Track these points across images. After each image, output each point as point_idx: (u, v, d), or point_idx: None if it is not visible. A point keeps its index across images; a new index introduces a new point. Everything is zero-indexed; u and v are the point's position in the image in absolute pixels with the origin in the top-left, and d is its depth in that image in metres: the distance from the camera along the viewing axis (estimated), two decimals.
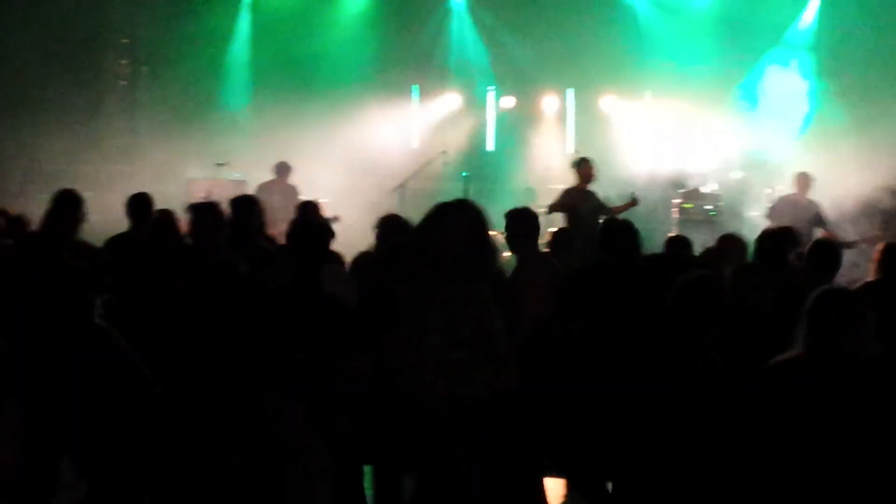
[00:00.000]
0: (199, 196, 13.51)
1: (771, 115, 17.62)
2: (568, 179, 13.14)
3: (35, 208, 8.44)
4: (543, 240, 8.79)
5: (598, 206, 12.59)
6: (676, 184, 16.40)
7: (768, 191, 15.04)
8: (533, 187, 17.05)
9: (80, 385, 5.09)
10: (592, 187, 12.83)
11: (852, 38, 17.10)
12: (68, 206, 7.64)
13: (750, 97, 18.19)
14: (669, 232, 15.66)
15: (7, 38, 16.26)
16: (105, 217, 9.59)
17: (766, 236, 7.18)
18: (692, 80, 17.34)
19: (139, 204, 8.24)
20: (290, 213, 9.80)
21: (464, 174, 16.10)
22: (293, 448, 4.25)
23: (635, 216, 11.58)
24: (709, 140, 17.49)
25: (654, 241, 14.12)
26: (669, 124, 17.89)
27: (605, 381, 5.32)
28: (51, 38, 16.68)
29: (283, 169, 14.45)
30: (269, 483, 4.36)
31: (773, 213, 12.91)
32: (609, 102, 19.03)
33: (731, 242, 7.81)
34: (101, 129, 18.10)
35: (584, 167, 12.81)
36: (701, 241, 10.16)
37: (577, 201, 12.47)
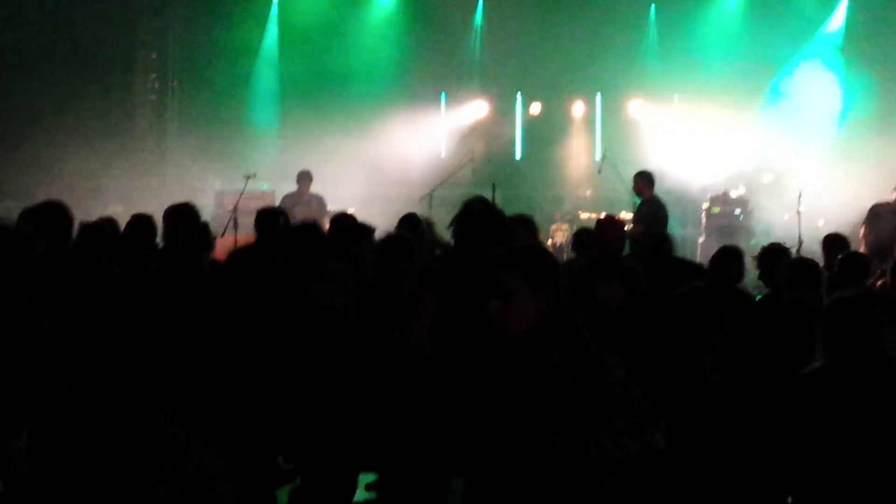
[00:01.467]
0: (227, 209, 13.56)
1: (804, 114, 17.45)
2: (594, 184, 13.00)
3: None
4: None
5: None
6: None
7: (798, 194, 14.89)
8: (561, 194, 16.99)
9: None
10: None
11: (882, 37, 17.00)
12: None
13: (781, 96, 18.06)
14: (699, 238, 15.58)
15: (37, 54, 16.38)
16: None
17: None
18: (720, 82, 17.23)
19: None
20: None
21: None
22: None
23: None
24: (737, 142, 17.33)
25: (685, 249, 14.13)
26: (698, 127, 17.73)
27: None
28: (81, 53, 16.83)
29: (303, 178, 14.15)
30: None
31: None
32: (637, 107, 18.90)
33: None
34: (131, 144, 18.16)
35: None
36: None
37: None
